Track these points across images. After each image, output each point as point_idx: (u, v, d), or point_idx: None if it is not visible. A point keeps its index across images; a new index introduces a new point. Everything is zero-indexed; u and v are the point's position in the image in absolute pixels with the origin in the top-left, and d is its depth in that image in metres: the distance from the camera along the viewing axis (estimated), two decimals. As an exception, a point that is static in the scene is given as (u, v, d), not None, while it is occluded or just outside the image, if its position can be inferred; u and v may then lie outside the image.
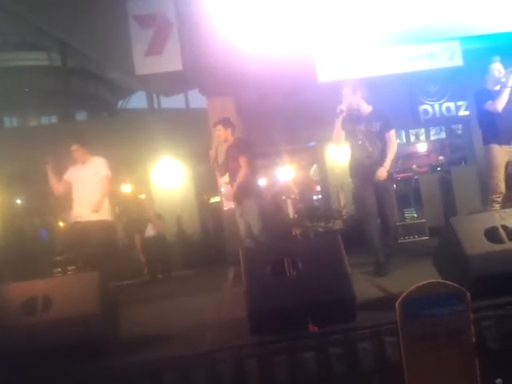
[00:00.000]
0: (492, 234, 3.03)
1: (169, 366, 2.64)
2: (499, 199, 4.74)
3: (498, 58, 4.86)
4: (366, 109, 4.59)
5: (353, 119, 4.53)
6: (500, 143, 4.74)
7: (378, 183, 4.51)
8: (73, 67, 16.21)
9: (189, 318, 3.70)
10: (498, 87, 4.77)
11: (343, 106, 4.45)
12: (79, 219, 4.92)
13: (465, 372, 2.35)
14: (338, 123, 4.47)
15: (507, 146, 4.74)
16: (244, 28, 6.79)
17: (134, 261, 8.05)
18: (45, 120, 18.56)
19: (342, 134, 4.54)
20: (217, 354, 2.63)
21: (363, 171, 4.54)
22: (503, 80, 4.73)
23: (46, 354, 2.63)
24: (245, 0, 6.85)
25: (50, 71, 16.75)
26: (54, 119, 18.25)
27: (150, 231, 8.24)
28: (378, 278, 4.23)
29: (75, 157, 5.01)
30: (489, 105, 4.72)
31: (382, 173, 4.44)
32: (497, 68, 4.80)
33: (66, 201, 5.18)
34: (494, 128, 4.77)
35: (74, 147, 4.98)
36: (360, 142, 4.52)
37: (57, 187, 5.01)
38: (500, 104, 4.65)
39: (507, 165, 4.79)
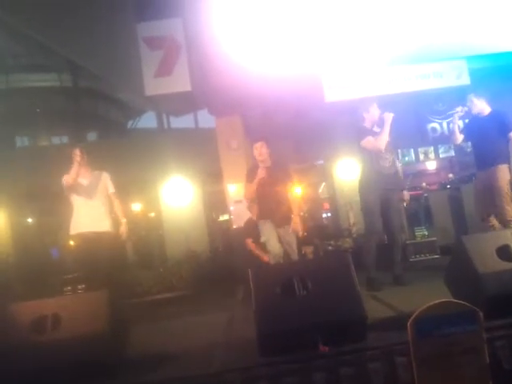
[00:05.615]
0: (504, 252, 3.00)
1: (178, 386, 2.62)
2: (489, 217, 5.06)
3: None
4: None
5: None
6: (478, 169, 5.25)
7: (392, 199, 4.78)
8: (83, 88, 16.48)
9: (197, 338, 3.67)
10: None
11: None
12: (81, 231, 4.85)
13: (479, 393, 2.31)
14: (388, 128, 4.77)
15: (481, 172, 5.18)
16: (251, 49, 6.88)
17: (143, 278, 8.01)
18: (56, 140, 18.74)
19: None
20: (226, 375, 2.61)
21: (381, 181, 4.71)
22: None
23: (54, 373, 2.62)
24: (252, 21, 6.95)
25: (60, 92, 17.00)
26: (64, 139, 18.44)
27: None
28: (389, 297, 4.19)
29: (75, 159, 4.85)
30: None
31: (407, 196, 4.99)
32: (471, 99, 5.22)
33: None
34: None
35: (76, 151, 4.89)
36: (384, 152, 4.75)
37: (71, 182, 4.85)
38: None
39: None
